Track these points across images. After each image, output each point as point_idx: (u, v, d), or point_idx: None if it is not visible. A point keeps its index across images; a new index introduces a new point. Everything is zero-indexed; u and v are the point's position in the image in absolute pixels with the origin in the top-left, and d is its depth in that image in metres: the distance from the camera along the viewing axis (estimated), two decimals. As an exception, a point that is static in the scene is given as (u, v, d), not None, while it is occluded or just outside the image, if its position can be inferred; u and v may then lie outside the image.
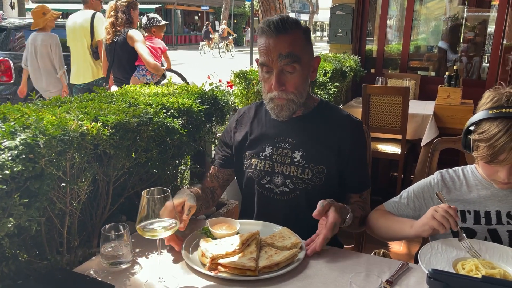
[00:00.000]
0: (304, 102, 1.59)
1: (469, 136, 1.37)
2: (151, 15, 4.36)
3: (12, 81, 6.59)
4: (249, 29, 33.56)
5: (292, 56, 1.47)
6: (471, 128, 1.36)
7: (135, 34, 3.83)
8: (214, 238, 1.37)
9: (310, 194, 1.57)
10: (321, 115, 1.63)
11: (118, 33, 3.86)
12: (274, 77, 1.49)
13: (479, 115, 1.33)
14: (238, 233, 1.39)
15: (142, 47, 3.80)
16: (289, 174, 1.58)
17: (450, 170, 1.53)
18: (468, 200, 1.44)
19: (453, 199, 1.45)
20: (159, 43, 4.28)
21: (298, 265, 1.24)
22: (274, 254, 1.25)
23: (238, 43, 33.76)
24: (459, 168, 1.53)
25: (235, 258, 1.23)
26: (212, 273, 1.19)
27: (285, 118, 1.57)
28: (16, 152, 1.10)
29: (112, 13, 3.85)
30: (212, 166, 1.77)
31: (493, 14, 5.27)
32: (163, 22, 4.37)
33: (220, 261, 1.21)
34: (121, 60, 3.96)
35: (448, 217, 1.26)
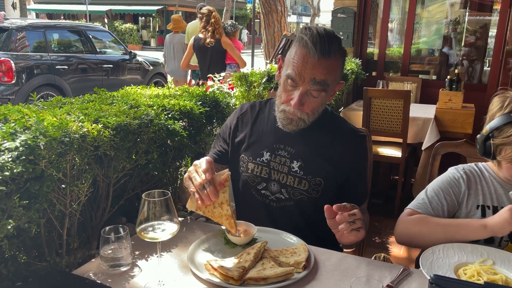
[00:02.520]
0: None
1: (490, 142, 1.36)
2: (230, 22, 5.66)
3: (13, 82, 6.60)
4: (245, 30, 33.63)
5: (324, 84, 1.42)
6: (491, 134, 1.36)
7: (228, 40, 5.03)
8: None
9: (304, 205, 1.55)
10: (324, 126, 1.58)
11: (212, 39, 4.96)
12: (297, 95, 1.43)
13: (499, 120, 1.33)
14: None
15: (236, 51, 5.04)
16: (285, 183, 1.55)
17: (465, 165, 1.53)
18: (486, 195, 1.46)
19: (474, 193, 1.46)
20: (239, 44, 5.65)
21: (291, 283, 1.17)
22: (269, 268, 1.21)
23: (238, 45, 33.78)
24: (472, 164, 1.53)
25: (226, 262, 1.22)
26: (204, 276, 1.18)
27: (290, 130, 1.53)
28: (16, 153, 1.09)
29: (214, 24, 4.95)
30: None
31: (494, 18, 5.27)
32: (240, 27, 5.83)
33: (212, 263, 1.20)
34: (217, 60, 5.07)
35: None
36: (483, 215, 1.43)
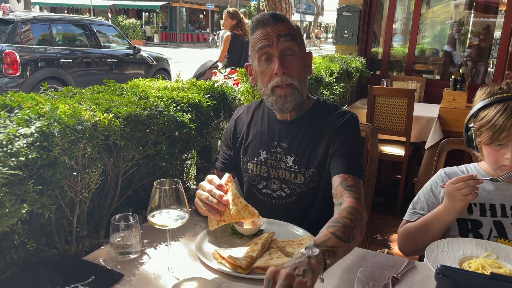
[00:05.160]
0: (300, 104, 1.54)
1: (471, 131, 1.45)
2: None
3: (17, 74, 6.61)
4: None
5: (291, 35, 1.46)
6: (470, 125, 1.45)
7: None
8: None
9: (306, 197, 1.55)
10: (315, 116, 1.58)
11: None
12: (276, 60, 1.44)
13: (475, 107, 1.43)
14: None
15: None
16: (285, 179, 1.56)
17: (454, 167, 1.58)
18: None
19: None
20: None
21: None
22: (276, 258, 1.23)
23: (242, 42, 33.75)
24: (463, 165, 1.58)
25: (234, 252, 1.24)
26: (212, 264, 1.20)
27: (289, 110, 1.51)
28: (31, 139, 1.11)
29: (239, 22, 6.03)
30: (214, 169, 1.73)
31: (499, 19, 5.27)
32: None
33: (220, 252, 1.23)
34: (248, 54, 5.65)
35: (473, 183, 1.33)
36: (470, 212, 1.47)
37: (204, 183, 1.31)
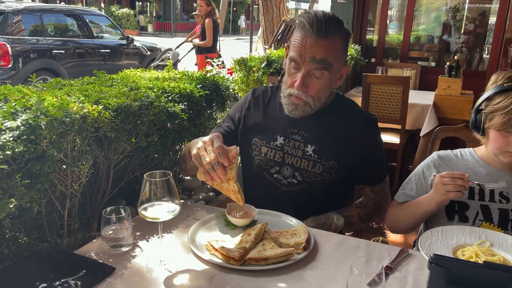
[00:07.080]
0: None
1: (481, 113, 1.42)
2: None
3: (9, 66, 6.53)
4: (243, 16, 33.45)
5: (324, 63, 1.43)
6: (482, 106, 1.42)
7: None
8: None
9: (316, 188, 1.57)
10: (336, 111, 1.61)
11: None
12: (300, 77, 1.45)
13: (492, 90, 1.39)
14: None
15: None
16: (299, 167, 1.56)
17: (448, 150, 1.58)
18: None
19: None
20: None
21: (291, 263, 1.18)
22: (269, 248, 1.22)
23: (235, 31, 33.52)
24: (457, 149, 1.58)
25: (226, 243, 1.23)
26: (205, 256, 1.19)
27: (296, 116, 1.54)
28: (17, 132, 1.09)
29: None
30: None
31: (494, 6, 5.24)
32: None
33: (213, 243, 1.21)
34: None
35: (460, 183, 1.32)
36: None
37: (210, 147, 1.22)
